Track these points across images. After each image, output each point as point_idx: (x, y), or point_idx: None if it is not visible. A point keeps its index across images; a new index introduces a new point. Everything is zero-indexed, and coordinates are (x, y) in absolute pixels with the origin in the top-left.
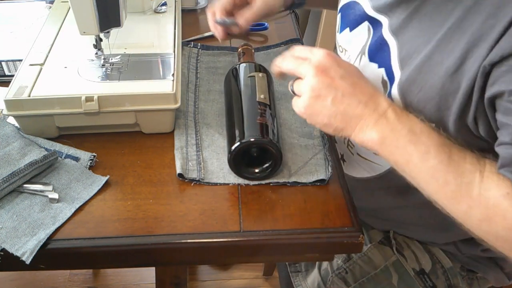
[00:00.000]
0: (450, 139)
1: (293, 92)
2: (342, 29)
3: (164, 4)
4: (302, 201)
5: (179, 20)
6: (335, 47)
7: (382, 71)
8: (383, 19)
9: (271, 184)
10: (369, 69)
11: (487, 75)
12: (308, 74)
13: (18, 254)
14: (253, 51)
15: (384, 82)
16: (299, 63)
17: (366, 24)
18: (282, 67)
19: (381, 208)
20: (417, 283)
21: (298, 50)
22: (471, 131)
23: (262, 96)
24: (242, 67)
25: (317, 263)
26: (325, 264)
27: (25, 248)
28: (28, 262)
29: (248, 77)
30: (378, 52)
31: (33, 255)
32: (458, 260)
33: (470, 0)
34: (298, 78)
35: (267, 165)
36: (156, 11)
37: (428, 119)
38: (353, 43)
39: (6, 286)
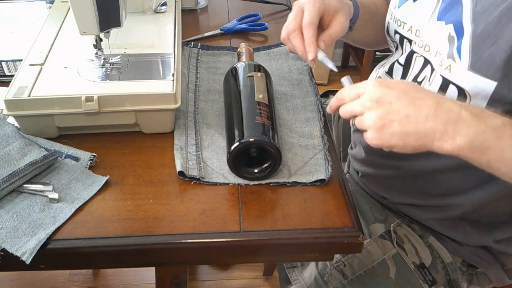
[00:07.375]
0: None
1: (357, 129)
2: (403, 2)
3: (164, 4)
4: (302, 201)
5: (179, 20)
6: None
7: (450, 27)
8: None
9: (271, 184)
10: (435, 27)
11: None
12: (364, 111)
13: (18, 254)
14: (252, 50)
15: (451, 38)
16: (353, 104)
17: None
18: (342, 115)
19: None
20: (417, 277)
21: (346, 92)
22: None
23: (260, 96)
24: (241, 67)
25: None
26: None
27: (25, 248)
28: (28, 262)
29: (247, 77)
30: (449, 10)
31: (33, 255)
32: (460, 253)
33: None
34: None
35: (266, 165)
36: (156, 11)
37: (492, 75)
38: (415, 14)
39: (6, 286)
